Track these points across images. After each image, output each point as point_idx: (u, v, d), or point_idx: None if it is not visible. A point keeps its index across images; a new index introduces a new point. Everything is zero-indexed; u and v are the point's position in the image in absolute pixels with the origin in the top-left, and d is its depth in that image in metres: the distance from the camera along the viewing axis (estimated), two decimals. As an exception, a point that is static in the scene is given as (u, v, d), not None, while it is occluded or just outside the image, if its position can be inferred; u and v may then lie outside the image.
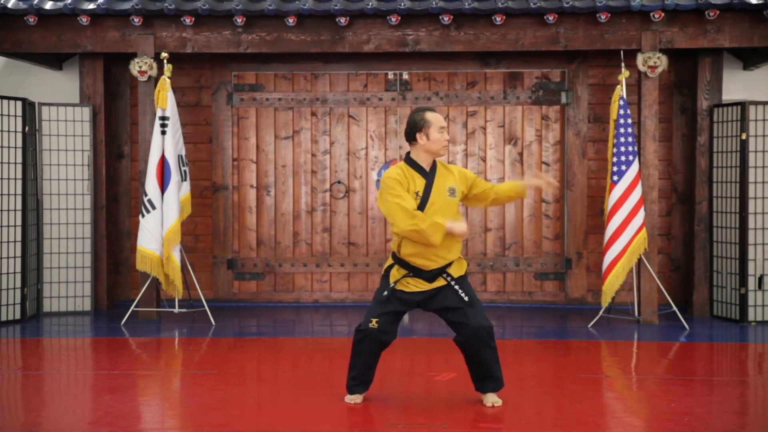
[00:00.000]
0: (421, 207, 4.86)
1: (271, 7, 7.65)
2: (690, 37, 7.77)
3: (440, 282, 4.93)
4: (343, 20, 7.72)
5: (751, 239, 7.80)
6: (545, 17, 7.65)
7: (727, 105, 8.04)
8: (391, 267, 5.01)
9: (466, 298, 4.88)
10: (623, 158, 7.50)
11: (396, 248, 4.97)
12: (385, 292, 4.93)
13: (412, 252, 4.88)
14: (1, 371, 5.98)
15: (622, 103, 7.56)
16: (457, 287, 4.91)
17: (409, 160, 4.98)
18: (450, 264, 4.95)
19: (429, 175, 4.94)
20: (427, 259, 4.88)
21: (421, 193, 4.89)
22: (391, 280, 4.96)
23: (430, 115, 4.93)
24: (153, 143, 7.73)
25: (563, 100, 8.72)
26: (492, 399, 4.99)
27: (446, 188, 4.93)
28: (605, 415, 5.01)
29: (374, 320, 4.91)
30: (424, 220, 4.74)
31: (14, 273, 7.84)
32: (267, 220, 8.93)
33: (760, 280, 7.83)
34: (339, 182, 8.91)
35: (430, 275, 4.91)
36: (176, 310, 7.95)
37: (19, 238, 7.87)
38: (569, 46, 7.83)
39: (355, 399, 5.06)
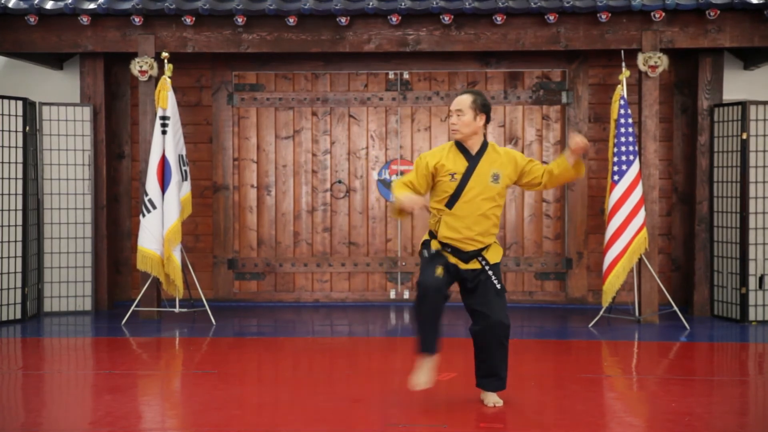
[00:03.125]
0: (459, 191, 4.82)
1: (271, 6, 7.65)
2: (690, 37, 7.77)
3: (475, 265, 4.89)
4: (343, 20, 7.72)
5: (751, 239, 7.80)
6: (546, 17, 7.64)
7: (728, 105, 8.04)
8: (428, 241, 4.96)
9: (498, 286, 4.87)
10: (624, 158, 7.50)
11: (434, 228, 4.93)
12: (429, 252, 4.87)
13: (448, 235, 4.86)
14: (2, 371, 5.98)
15: (622, 102, 7.55)
16: (491, 273, 4.88)
17: (458, 141, 4.95)
18: (487, 248, 4.91)
19: (474, 159, 4.88)
20: (463, 243, 4.85)
21: (458, 176, 4.83)
22: (433, 247, 4.91)
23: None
24: (153, 143, 7.73)
25: (564, 99, 8.72)
26: (493, 399, 4.98)
27: (490, 173, 4.85)
28: (605, 415, 5.01)
29: (439, 268, 4.78)
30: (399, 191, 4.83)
31: (15, 273, 7.84)
32: (267, 219, 8.93)
33: (761, 279, 7.82)
34: (339, 182, 8.91)
35: (466, 256, 4.88)
36: (177, 309, 7.95)
37: (19, 237, 7.87)
38: (570, 45, 7.82)
39: (428, 364, 4.84)
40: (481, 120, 4.88)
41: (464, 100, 4.88)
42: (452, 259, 4.89)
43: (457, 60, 8.72)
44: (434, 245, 4.92)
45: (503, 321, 4.84)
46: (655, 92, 7.80)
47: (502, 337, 4.87)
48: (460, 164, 4.86)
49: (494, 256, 4.94)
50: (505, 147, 4.99)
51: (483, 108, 4.88)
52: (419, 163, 4.91)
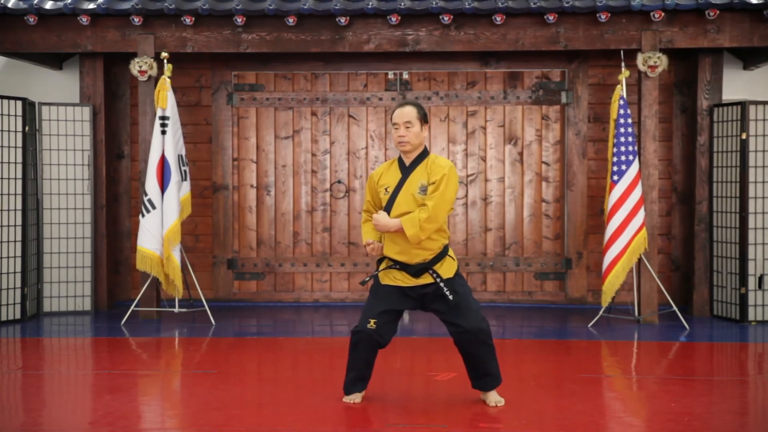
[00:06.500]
0: (389, 204, 4.91)
1: (271, 6, 7.65)
2: (690, 37, 7.77)
3: (427, 279, 4.89)
4: (343, 20, 7.72)
5: (751, 239, 7.80)
6: (545, 17, 7.65)
7: (727, 105, 8.04)
8: (382, 260, 5.05)
9: (451, 297, 4.84)
10: (623, 158, 7.50)
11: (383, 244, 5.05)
12: (368, 279, 4.99)
13: (392, 249, 4.92)
14: (1, 371, 5.98)
15: (622, 102, 7.56)
16: (442, 285, 4.87)
17: (401, 155, 5.02)
18: (437, 261, 4.89)
19: (407, 170, 4.94)
20: (407, 255, 4.87)
21: (390, 189, 4.92)
22: (381, 268, 4.99)
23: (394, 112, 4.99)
24: (153, 143, 7.73)
25: (563, 99, 8.72)
26: (495, 398, 4.98)
27: (418, 184, 4.89)
28: (605, 415, 5.01)
29: (372, 320, 4.89)
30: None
31: (14, 273, 7.84)
32: (267, 219, 8.93)
33: (760, 279, 7.83)
34: (339, 182, 8.91)
35: (413, 270, 4.88)
36: (176, 309, 7.95)
37: (19, 237, 7.87)
38: (569, 45, 7.83)
39: (353, 399, 5.05)
40: (425, 130, 4.97)
41: (411, 112, 4.92)
42: (398, 281, 4.91)
43: (456, 60, 8.72)
44: (383, 265, 4.97)
45: (479, 326, 4.86)
46: (655, 92, 7.81)
47: (485, 338, 4.90)
48: (395, 177, 4.95)
49: (447, 270, 4.92)
50: (444, 158, 4.99)
51: (425, 118, 4.98)
52: (368, 182, 5.08)
